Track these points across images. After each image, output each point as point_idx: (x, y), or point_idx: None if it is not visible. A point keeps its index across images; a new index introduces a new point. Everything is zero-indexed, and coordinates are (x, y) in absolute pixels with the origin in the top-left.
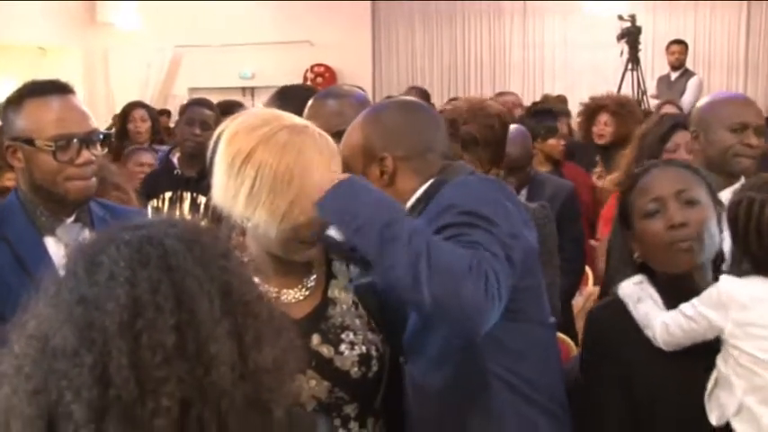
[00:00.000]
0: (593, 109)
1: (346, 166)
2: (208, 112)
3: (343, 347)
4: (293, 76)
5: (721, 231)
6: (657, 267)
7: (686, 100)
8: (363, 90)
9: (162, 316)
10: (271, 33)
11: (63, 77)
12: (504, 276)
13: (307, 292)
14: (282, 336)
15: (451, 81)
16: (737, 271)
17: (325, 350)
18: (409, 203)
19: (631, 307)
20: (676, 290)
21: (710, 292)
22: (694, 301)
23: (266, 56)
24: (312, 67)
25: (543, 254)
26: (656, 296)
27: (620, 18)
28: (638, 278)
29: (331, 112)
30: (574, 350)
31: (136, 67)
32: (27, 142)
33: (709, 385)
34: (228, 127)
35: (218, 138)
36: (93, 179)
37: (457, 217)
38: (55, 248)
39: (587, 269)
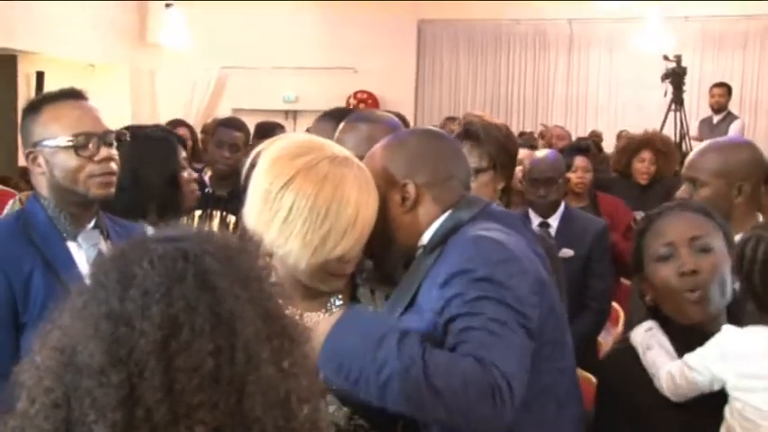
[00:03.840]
0: (636, 145)
1: None
2: (237, 134)
3: None
4: (336, 101)
5: (736, 280)
6: (668, 314)
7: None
8: (403, 117)
9: (199, 339)
10: (316, 58)
11: (111, 94)
12: (516, 369)
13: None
14: (312, 361)
15: (493, 112)
16: (742, 313)
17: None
18: (425, 238)
19: (641, 354)
20: (688, 337)
21: (712, 344)
22: (699, 351)
23: (310, 80)
24: (355, 93)
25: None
26: (667, 344)
27: (666, 58)
28: (648, 324)
29: (362, 137)
30: None
31: (182, 86)
32: (47, 144)
33: None
34: (269, 150)
35: (256, 158)
36: (114, 177)
37: (469, 286)
38: (77, 254)
39: (618, 308)
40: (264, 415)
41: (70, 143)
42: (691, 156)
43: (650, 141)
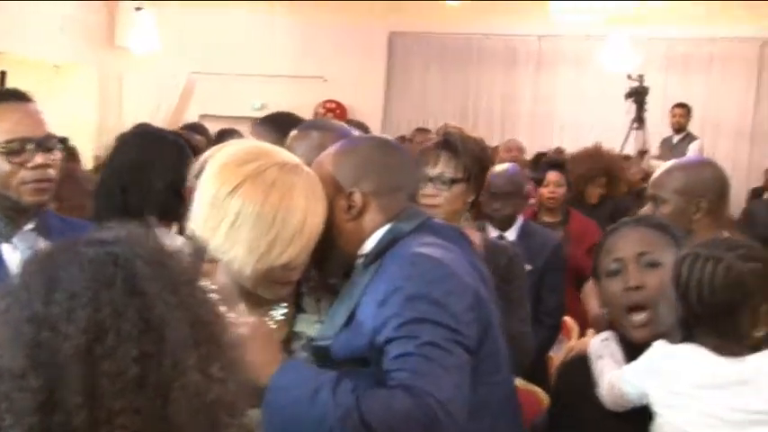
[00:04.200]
0: (594, 173)
1: None
2: (198, 137)
3: None
4: (305, 109)
5: None
6: (615, 325)
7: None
8: (366, 127)
9: (125, 344)
10: (285, 66)
11: (77, 96)
12: (452, 393)
13: (274, 325)
14: (243, 369)
15: (461, 125)
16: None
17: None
18: (367, 247)
19: (592, 363)
20: (636, 349)
21: (643, 358)
22: (633, 364)
23: (279, 88)
24: (324, 102)
25: (510, 292)
26: (619, 355)
27: (629, 77)
28: (605, 334)
29: (313, 145)
30: (545, 402)
31: (150, 90)
32: None
33: None
34: (217, 156)
35: (204, 164)
36: (49, 184)
37: (406, 306)
38: (11, 256)
39: (573, 323)
40: (189, 421)
41: (2, 149)
42: (655, 175)
43: (606, 170)
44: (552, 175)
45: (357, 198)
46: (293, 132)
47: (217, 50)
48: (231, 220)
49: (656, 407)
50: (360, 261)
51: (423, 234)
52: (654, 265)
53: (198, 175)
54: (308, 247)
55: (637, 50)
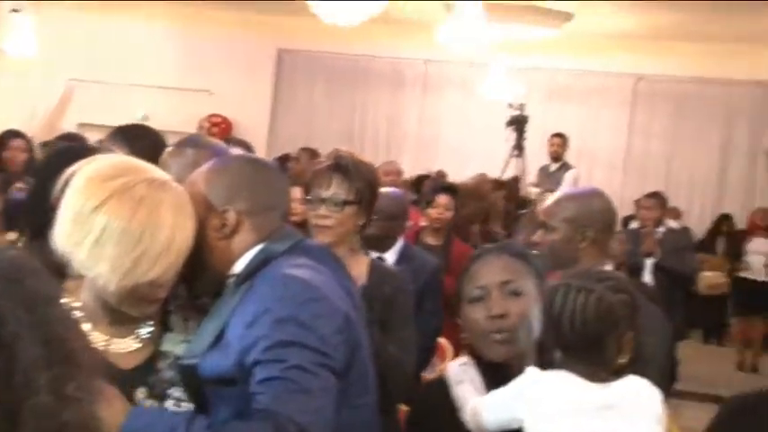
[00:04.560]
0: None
1: None
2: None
3: (169, 403)
4: (189, 122)
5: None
6: (477, 351)
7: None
8: (249, 145)
9: None
10: (170, 78)
11: None
12: (315, 417)
13: (139, 344)
14: (102, 390)
15: (346, 146)
16: (548, 358)
17: (149, 404)
18: (238, 267)
19: (451, 388)
20: (496, 376)
21: (514, 384)
22: (502, 390)
23: (163, 100)
24: (209, 116)
25: (394, 320)
26: (477, 379)
27: (510, 106)
28: (463, 359)
29: (187, 162)
30: None
31: (26, 96)
32: None
33: None
34: (83, 170)
35: (70, 177)
36: None
37: (274, 328)
38: None
39: (448, 344)
40: None
41: None
42: (547, 203)
43: (488, 210)
44: (442, 198)
45: (230, 216)
46: (169, 149)
47: (99, 58)
48: (96, 236)
49: (527, 430)
50: (231, 280)
51: (295, 255)
52: (516, 293)
53: (63, 189)
54: (176, 264)
55: (518, 80)
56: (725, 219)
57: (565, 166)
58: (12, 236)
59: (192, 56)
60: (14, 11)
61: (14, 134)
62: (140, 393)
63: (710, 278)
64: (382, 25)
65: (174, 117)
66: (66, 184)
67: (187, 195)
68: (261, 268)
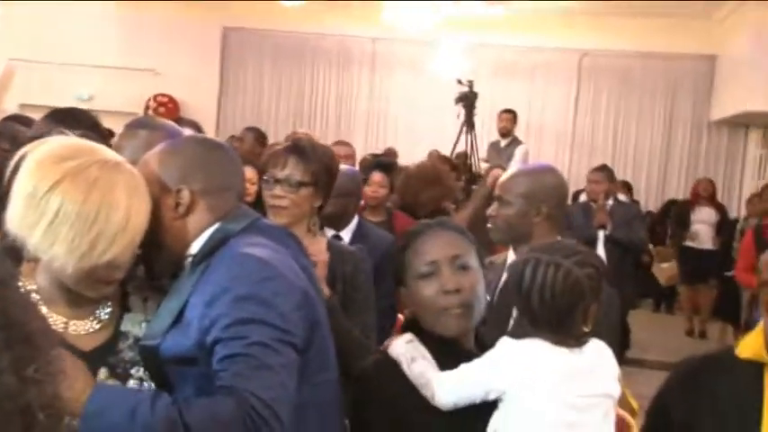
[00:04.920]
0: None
1: None
2: (23, 129)
3: (131, 383)
4: (135, 102)
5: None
6: (427, 327)
7: (513, 166)
8: (199, 125)
9: None
10: (114, 57)
11: None
12: (278, 392)
13: (98, 325)
14: (63, 370)
15: (296, 125)
16: (518, 330)
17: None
18: (195, 247)
19: (405, 366)
20: (445, 351)
21: (493, 354)
22: (476, 362)
23: (107, 80)
24: (155, 96)
25: (357, 300)
26: (428, 355)
27: (459, 82)
28: (408, 336)
29: (140, 144)
30: (634, 429)
31: None
32: None
33: None
34: (34, 152)
35: (21, 160)
36: None
37: (233, 306)
38: None
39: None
40: (2, 425)
41: None
42: (502, 177)
43: (442, 196)
44: (376, 176)
45: (185, 195)
46: (122, 130)
47: (40, 38)
48: (50, 219)
49: (510, 399)
50: (188, 261)
51: (251, 234)
52: (465, 268)
53: (15, 171)
54: (132, 245)
55: (467, 56)
56: (672, 204)
57: (515, 142)
58: None
59: (136, 35)
60: None
61: None
62: (102, 374)
63: (667, 270)
64: (330, 3)
65: (119, 97)
66: (18, 166)
67: (141, 177)
68: (218, 248)
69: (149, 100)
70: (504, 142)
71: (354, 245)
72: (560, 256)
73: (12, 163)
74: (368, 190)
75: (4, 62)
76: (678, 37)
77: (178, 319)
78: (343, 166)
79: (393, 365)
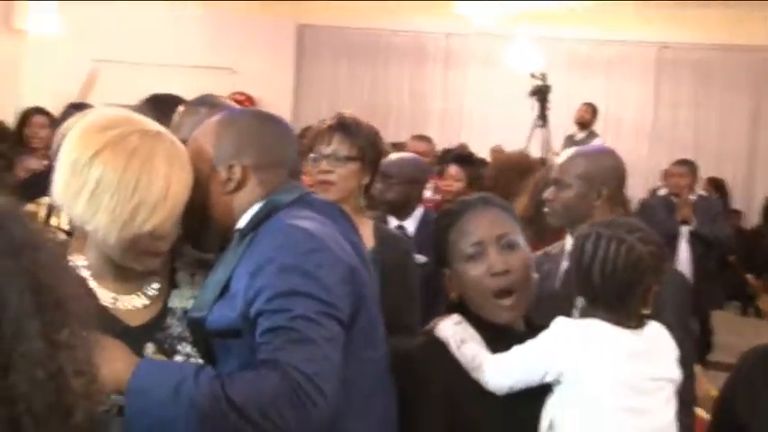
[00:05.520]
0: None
1: (193, 167)
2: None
3: (178, 359)
4: None
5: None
6: (475, 311)
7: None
8: None
9: None
10: (193, 56)
11: None
12: (322, 366)
13: (147, 301)
14: (94, 337)
15: (370, 120)
16: (576, 309)
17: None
18: (243, 222)
19: (454, 348)
20: (494, 334)
21: (548, 335)
22: (531, 343)
23: (186, 79)
24: (232, 94)
25: (400, 288)
26: (478, 337)
27: (533, 76)
28: (456, 318)
29: (199, 122)
30: None
31: (50, 77)
32: None
33: (544, 426)
34: (79, 123)
35: (66, 133)
36: None
37: (277, 277)
38: None
39: None
40: (32, 390)
41: None
42: (559, 160)
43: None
44: (452, 169)
45: (237, 171)
46: (181, 108)
47: (122, 38)
48: (92, 187)
49: (568, 382)
50: (235, 235)
51: (300, 208)
52: (513, 246)
53: (61, 142)
54: (173, 214)
55: (541, 50)
56: None
57: (591, 135)
58: (32, 207)
59: (215, 34)
60: None
61: (36, 110)
62: (149, 349)
63: None
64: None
65: (197, 95)
66: (64, 137)
67: (182, 147)
68: (265, 220)
69: (226, 98)
70: (580, 135)
71: (418, 235)
72: (623, 232)
73: (58, 137)
74: (441, 183)
75: (90, 63)
76: (760, 28)
77: (224, 291)
78: (406, 154)
79: (441, 348)
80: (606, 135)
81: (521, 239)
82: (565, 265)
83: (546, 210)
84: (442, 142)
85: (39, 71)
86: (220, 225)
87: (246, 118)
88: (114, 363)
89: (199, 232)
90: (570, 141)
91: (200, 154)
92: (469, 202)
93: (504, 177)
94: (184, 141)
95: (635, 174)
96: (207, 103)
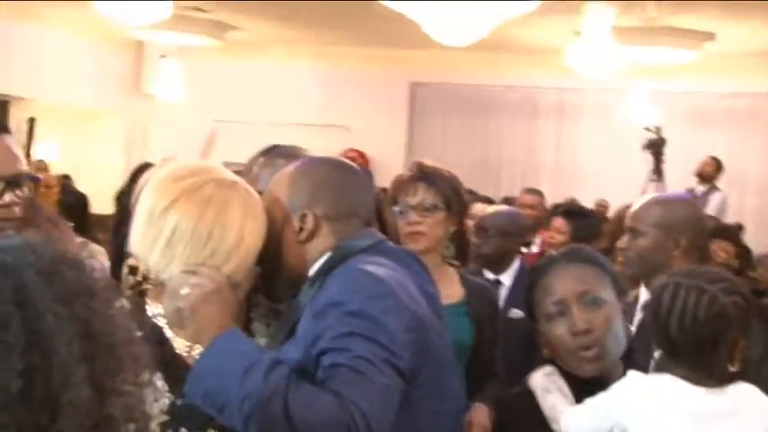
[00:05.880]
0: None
1: (267, 216)
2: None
3: None
4: None
5: (628, 324)
6: (563, 367)
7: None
8: (369, 171)
9: (9, 357)
10: (308, 115)
11: (103, 143)
12: (378, 408)
13: None
14: (147, 382)
15: (482, 175)
16: (654, 361)
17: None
18: (313, 270)
19: (540, 398)
20: (585, 385)
21: (617, 389)
22: (601, 395)
23: (302, 136)
24: (346, 151)
25: (490, 331)
26: (566, 388)
27: (647, 129)
28: (548, 369)
29: (276, 172)
30: None
31: (174, 138)
32: None
33: None
34: (156, 174)
35: (146, 183)
36: (13, 223)
37: (341, 320)
38: None
39: None
40: None
41: None
42: (633, 207)
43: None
44: (556, 222)
45: (309, 221)
46: (261, 160)
47: (241, 99)
48: (167, 237)
49: None
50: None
51: (373, 254)
52: (596, 303)
53: (140, 193)
54: (246, 264)
55: (657, 103)
56: None
57: (712, 189)
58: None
59: (329, 93)
60: (162, 56)
61: (147, 166)
62: None
63: None
64: (514, 55)
65: (312, 153)
66: (143, 188)
67: (257, 197)
68: (337, 266)
69: (340, 155)
70: (700, 189)
71: (516, 289)
72: (705, 281)
73: (139, 186)
74: (546, 235)
75: (210, 123)
76: None
77: (291, 333)
78: (503, 207)
79: (530, 397)
80: (730, 190)
81: (608, 294)
82: (639, 316)
83: (620, 259)
84: (554, 196)
85: (165, 132)
86: (293, 274)
87: (320, 167)
88: (212, 316)
89: (272, 281)
90: (690, 195)
91: (275, 203)
92: (554, 259)
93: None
94: (261, 193)
95: (762, 230)
96: (284, 154)
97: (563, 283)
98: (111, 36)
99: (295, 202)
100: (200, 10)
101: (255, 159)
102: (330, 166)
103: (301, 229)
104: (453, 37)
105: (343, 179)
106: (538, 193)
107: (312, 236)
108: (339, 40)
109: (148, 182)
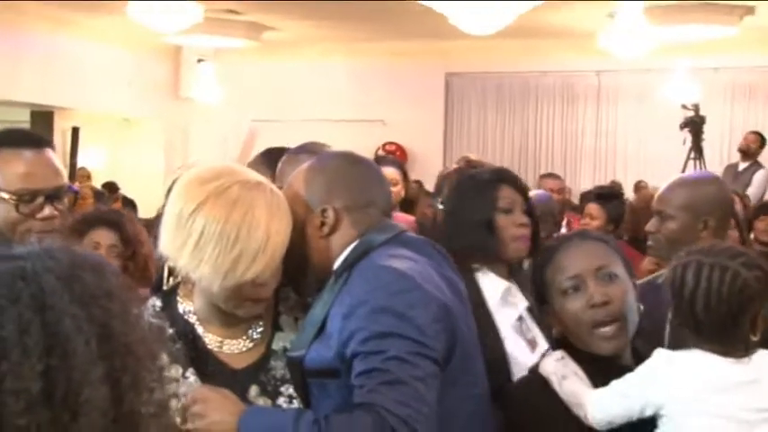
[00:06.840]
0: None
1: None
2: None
3: (281, 400)
4: (365, 152)
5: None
6: (579, 346)
7: (751, 192)
8: (402, 164)
9: (29, 360)
10: (345, 110)
11: (145, 148)
12: (415, 408)
13: (251, 344)
14: (170, 378)
15: (521, 163)
16: (677, 340)
17: (262, 402)
18: (337, 264)
19: (556, 385)
20: (600, 367)
21: (646, 368)
22: (629, 376)
23: (340, 133)
24: (384, 145)
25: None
26: (581, 372)
27: (684, 107)
28: (559, 354)
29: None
30: None
31: (214, 140)
32: None
33: None
34: (182, 177)
35: (173, 185)
36: (53, 234)
37: (370, 319)
38: None
39: None
40: None
41: (13, 199)
42: (660, 190)
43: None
44: (590, 207)
45: (330, 215)
46: (284, 157)
47: (278, 98)
48: (196, 239)
49: (667, 416)
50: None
51: (394, 246)
52: (612, 277)
53: (167, 197)
54: (274, 262)
55: (695, 80)
56: None
57: (755, 165)
58: None
59: (365, 88)
60: (200, 60)
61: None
62: (252, 391)
63: None
64: (549, 40)
65: (350, 148)
66: (170, 192)
67: (281, 196)
68: (359, 259)
69: (378, 149)
70: (742, 165)
71: None
72: (725, 258)
73: (166, 190)
74: (581, 222)
75: (248, 124)
76: None
77: (321, 330)
78: (536, 191)
79: (543, 385)
80: None
81: (620, 271)
82: None
83: (649, 243)
84: (596, 180)
85: (205, 135)
86: (319, 269)
87: (332, 162)
88: (222, 413)
89: (299, 278)
90: (731, 172)
91: (295, 200)
92: (566, 238)
93: (635, 217)
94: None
95: None
96: (307, 150)
97: (578, 259)
98: (148, 43)
99: (313, 198)
100: (233, 12)
101: (255, 161)
102: (342, 159)
103: (323, 223)
104: (479, 25)
105: (355, 170)
106: (557, 177)
107: (334, 229)
108: (372, 36)
109: (175, 187)
